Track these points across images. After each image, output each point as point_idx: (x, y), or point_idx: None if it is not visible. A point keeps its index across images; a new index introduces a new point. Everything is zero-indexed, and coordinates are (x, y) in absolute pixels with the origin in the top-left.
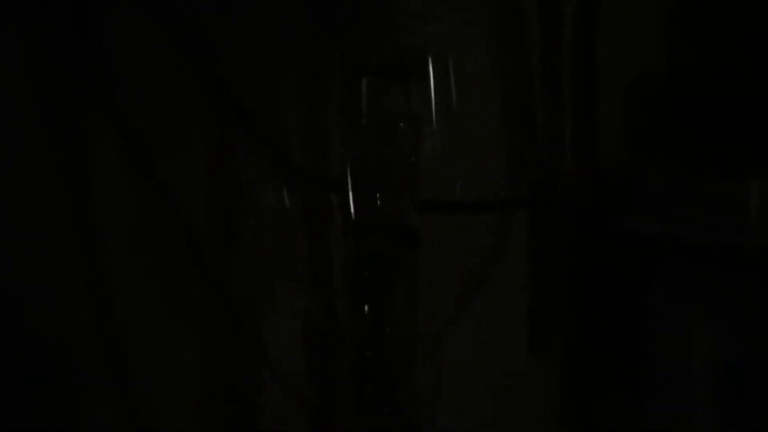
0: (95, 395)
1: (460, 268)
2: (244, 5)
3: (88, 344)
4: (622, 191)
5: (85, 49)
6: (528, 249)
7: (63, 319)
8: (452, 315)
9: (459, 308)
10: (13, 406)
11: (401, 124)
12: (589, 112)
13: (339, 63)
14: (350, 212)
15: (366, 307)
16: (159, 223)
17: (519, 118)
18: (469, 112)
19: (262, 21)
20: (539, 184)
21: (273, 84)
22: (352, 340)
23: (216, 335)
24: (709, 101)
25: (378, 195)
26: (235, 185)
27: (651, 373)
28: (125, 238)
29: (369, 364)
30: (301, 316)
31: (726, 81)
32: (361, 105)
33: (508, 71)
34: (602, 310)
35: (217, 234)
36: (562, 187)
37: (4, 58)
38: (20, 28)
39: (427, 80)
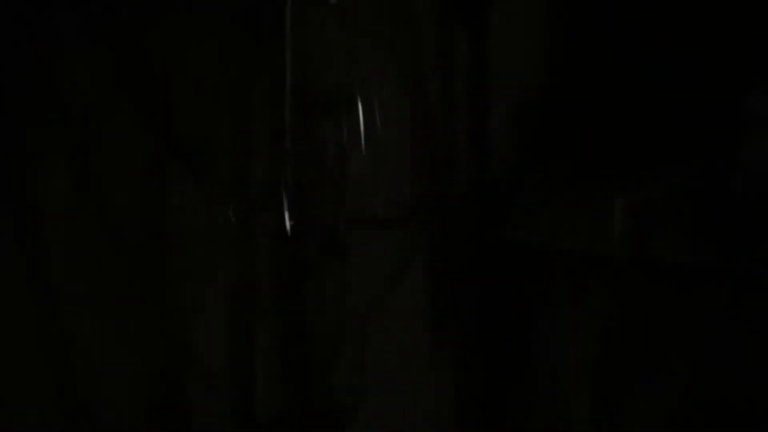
0: (36, 388)
1: (375, 275)
2: (180, 28)
3: (31, 347)
4: (507, 203)
5: (33, 67)
6: (428, 258)
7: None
8: (369, 313)
9: (375, 308)
10: None
11: (331, 147)
12: (480, 131)
13: (269, 92)
14: (284, 226)
15: (298, 303)
16: (95, 238)
17: (423, 142)
18: (385, 141)
19: (193, 55)
20: (439, 200)
21: (205, 107)
22: (281, 331)
23: (149, 340)
24: (579, 118)
25: (310, 209)
26: (168, 197)
27: (534, 365)
28: (65, 253)
29: (295, 357)
30: (227, 319)
31: (594, 99)
32: (289, 131)
33: (413, 101)
34: (491, 311)
35: (149, 246)
36: (455, 202)
37: None
38: None
39: (356, 112)
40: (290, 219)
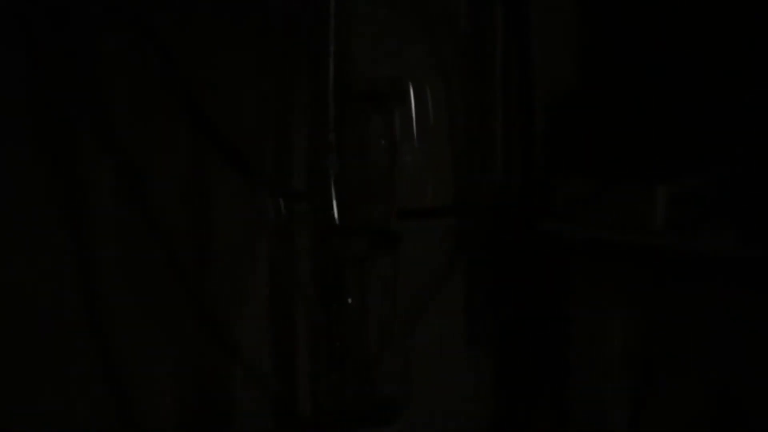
0: (86, 396)
1: (421, 270)
2: (215, 37)
3: (79, 347)
4: (548, 196)
5: (77, 78)
6: (470, 251)
7: (57, 324)
8: (418, 309)
9: (422, 304)
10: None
11: (382, 142)
12: (525, 123)
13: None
14: (333, 214)
15: (349, 300)
16: (141, 235)
17: (465, 135)
18: (430, 134)
19: (231, 48)
20: (480, 192)
21: (244, 104)
22: (328, 332)
23: (192, 337)
24: (617, 112)
25: (360, 202)
26: (209, 196)
27: (572, 359)
28: (113, 249)
29: (343, 351)
30: (269, 316)
31: (632, 93)
32: (332, 126)
33: (453, 91)
34: (529, 306)
35: (192, 242)
36: (496, 194)
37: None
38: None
39: (408, 104)
40: (339, 211)
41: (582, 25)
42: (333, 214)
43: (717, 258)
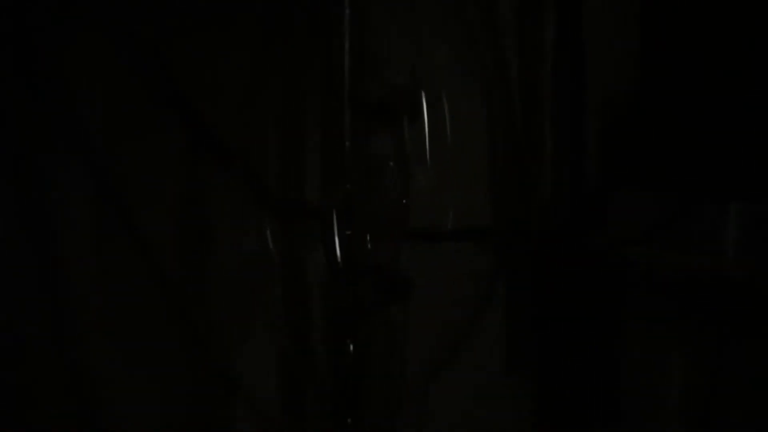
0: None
1: (448, 299)
2: (215, 39)
3: (53, 381)
4: (600, 214)
5: (49, 83)
6: (505, 274)
7: (28, 355)
8: (443, 350)
9: (447, 344)
10: None
11: (391, 164)
12: (576, 137)
13: (321, 96)
14: (335, 254)
15: (351, 347)
16: (127, 257)
17: (504, 148)
18: (459, 146)
19: (234, 50)
20: (524, 209)
21: (248, 118)
22: (334, 382)
23: (185, 371)
24: (682, 120)
25: (367, 237)
26: (209, 217)
27: (624, 397)
28: (92, 275)
29: (349, 406)
30: (277, 352)
31: (700, 99)
32: (346, 144)
33: (492, 103)
34: (577, 336)
35: (189, 267)
36: (542, 211)
37: None
38: None
39: (421, 119)
40: (341, 247)
41: (644, 23)
42: (335, 250)
43: None
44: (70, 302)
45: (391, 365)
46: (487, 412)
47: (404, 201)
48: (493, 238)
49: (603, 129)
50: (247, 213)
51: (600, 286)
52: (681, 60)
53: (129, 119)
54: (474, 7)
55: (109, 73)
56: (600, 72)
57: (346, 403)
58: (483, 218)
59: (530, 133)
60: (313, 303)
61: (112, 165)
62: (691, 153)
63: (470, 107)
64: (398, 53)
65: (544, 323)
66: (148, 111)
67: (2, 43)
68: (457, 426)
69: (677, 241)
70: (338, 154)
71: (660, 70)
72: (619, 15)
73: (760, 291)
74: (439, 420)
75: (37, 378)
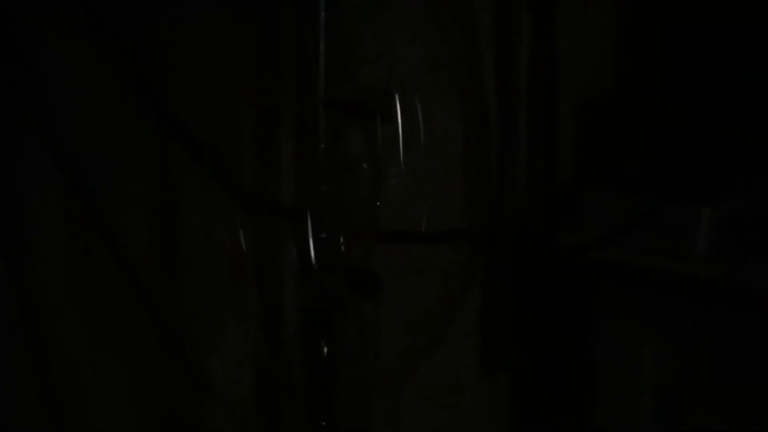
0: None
1: (421, 301)
2: (190, 31)
3: (26, 382)
4: (574, 213)
5: (15, 71)
6: (480, 275)
7: None
8: (416, 351)
9: (421, 344)
10: None
11: (364, 166)
12: (549, 138)
13: (295, 94)
14: (309, 254)
15: (324, 349)
16: (98, 252)
17: (478, 149)
18: (433, 147)
19: (206, 45)
20: (498, 209)
21: (222, 115)
22: (306, 382)
23: (159, 369)
24: (657, 121)
25: (340, 236)
26: (181, 215)
27: (596, 393)
28: (60, 269)
29: (322, 406)
30: (250, 351)
31: (674, 101)
32: (320, 141)
33: (467, 104)
34: (550, 333)
35: (161, 265)
36: (516, 211)
37: None
38: None
39: (394, 119)
40: (315, 246)
41: (620, 23)
42: (309, 250)
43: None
44: (39, 298)
45: (364, 365)
46: (461, 411)
47: (377, 202)
48: (467, 239)
49: (577, 130)
50: (220, 211)
51: (573, 284)
52: (656, 63)
53: (100, 114)
54: (449, 7)
55: (80, 66)
56: (575, 74)
57: (319, 404)
58: (457, 219)
59: (505, 134)
60: (286, 302)
61: (81, 159)
62: (663, 154)
63: (445, 108)
64: (372, 53)
65: (519, 322)
66: (119, 106)
67: None
68: (431, 425)
69: (648, 240)
70: (312, 154)
71: (635, 73)
72: (594, 18)
73: (729, 290)
74: (413, 419)
75: (9, 380)
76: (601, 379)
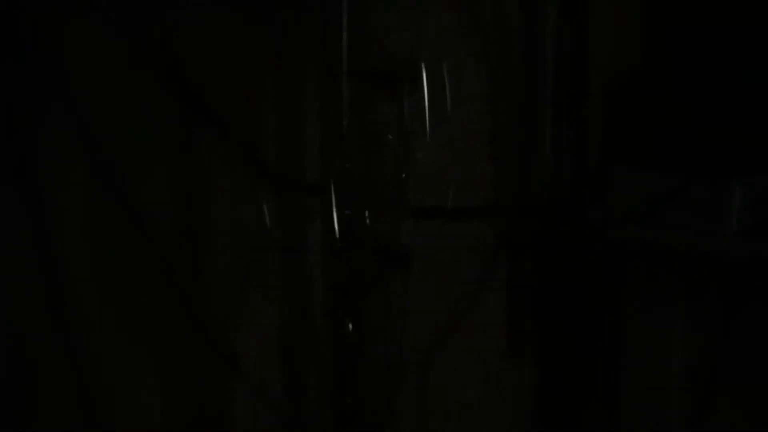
0: (63, 418)
1: (450, 278)
2: (210, 6)
3: (53, 364)
4: (603, 191)
5: (41, 57)
6: (508, 254)
7: (25, 338)
8: (443, 329)
9: (448, 322)
10: None
11: (390, 137)
12: (578, 112)
13: (318, 67)
14: (334, 227)
15: (349, 326)
16: (124, 232)
17: (506, 122)
18: (460, 119)
19: (229, 22)
20: (525, 185)
21: (245, 88)
22: (333, 359)
23: (184, 348)
24: (686, 98)
25: (366, 211)
26: (206, 193)
27: (625, 376)
28: (86, 250)
29: (348, 383)
30: (277, 328)
31: (704, 77)
32: (344, 114)
33: (495, 75)
34: (579, 314)
35: (186, 244)
36: (543, 187)
37: None
38: None
39: (421, 89)
40: (340, 221)
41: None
42: (333, 225)
43: None
44: (67, 281)
45: (390, 342)
46: (486, 391)
47: (403, 175)
48: (494, 214)
49: (605, 105)
50: (245, 188)
51: (601, 262)
52: (684, 38)
53: (124, 95)
54: None
55: (103, 48)
56: (603, 48)
57: (345, 381)
58: (484, 194)
59: (532, 109)
60: (313, 279)
61: (106, 140)
62: (692, 130)
63: (472, 80)
64: (399, 22)
65: (546, 302)
66: (144, 86)
67: None
68: (456, 405)
69: (678, 217)
70: (337, 128)
71: (663, 48)
72: None
73: (761, 267)
74: (438, 399)
75: (37, 361)
76: (629, 363)
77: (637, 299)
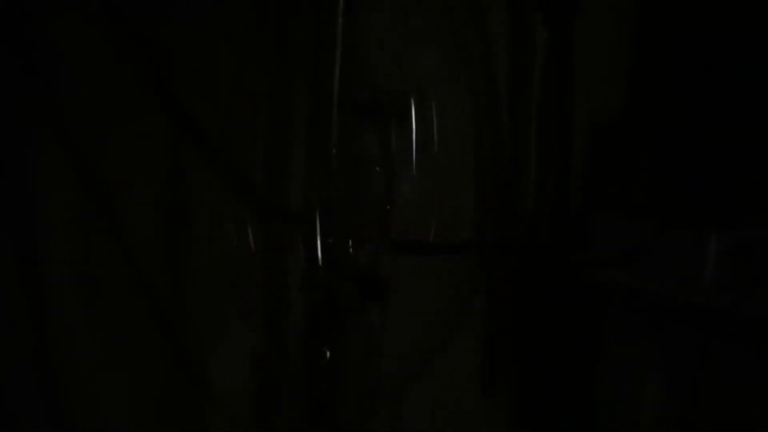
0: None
1: (425, 312)
2: (205, 30)
3: (27, 373)
4: (583, 235)
5: (29, 66)
6: (485, 291)
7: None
8: (418, 362)
9: (423, 356)
10: None
11: (377, 169)
12: (561, 156)
13: (308, 99)
14: (317, 255)
15: (327, 354)
16: (107, 251)
17: (490, 161)
18: (446, 156)
19: (222, 46)
20: (506, 226)
21: (234, 112)
22: (309, 387)
23: (158, 369)
24: (669, 146)
25: (349, 240)
26: (190, 214)
27: (600, 419)
28: (67, 264)
29: (323, 411)
30: (252, 354)
31: (687, 127)
32: (333, 146)
33: (481, 115)
34: (554, 356)
35: (167, 262)
36: (524, 229)
37: None
38: None
39: (409, 124)
40: (322, 250)
41: (635, 48)
42: (316, 253)
43: None
44: (46, 293)
45: (366, 372)
46: (460, 425)
47: (388, 207)
48: (475, 252)
49: (588, 151)
50: (229, 211)
51: (580, 304)
52: (668, 90)
53: (112, 110)
54: (465, 15)
55: (93, 61)
56: (587, 95)
57: (320, 410)
58: (465, 231)
59: (516, 149)
60: (292, 305)
61: (93, 155)
62: (674, 179)
63: (458, 119)
64: (388, 57)
65: (523, 339)
66: (132, 103)
67: None
68: None
69: (655, 266)
70: (325, 157)
71: (646, 98)
72: (609, 41)
73: (735, 321)
74: (411, 430)
75: (11, 371)
76: (602, 404)
77: (613, 341)
